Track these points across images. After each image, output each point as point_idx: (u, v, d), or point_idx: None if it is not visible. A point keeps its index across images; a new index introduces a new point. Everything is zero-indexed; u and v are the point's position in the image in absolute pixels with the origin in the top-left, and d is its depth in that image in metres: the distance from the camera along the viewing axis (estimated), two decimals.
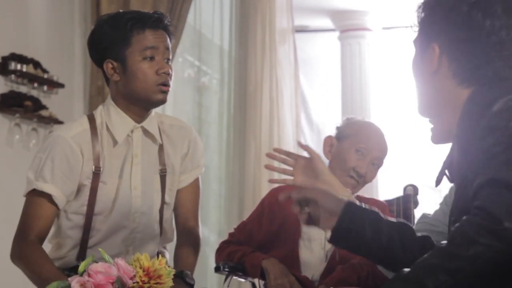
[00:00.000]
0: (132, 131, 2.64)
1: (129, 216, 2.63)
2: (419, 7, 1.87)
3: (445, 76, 1.81)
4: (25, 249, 2.56)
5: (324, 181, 2.26)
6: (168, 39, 2.64)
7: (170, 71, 2.59)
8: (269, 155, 2.35)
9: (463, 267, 1.51)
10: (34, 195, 2.58)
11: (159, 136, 2.69)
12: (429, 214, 2.49)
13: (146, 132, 2.66)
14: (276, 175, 5.30)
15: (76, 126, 2.62)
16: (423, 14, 1.86)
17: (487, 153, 1.58)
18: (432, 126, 1.95)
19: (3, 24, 4.76)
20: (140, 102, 2.61)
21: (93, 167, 2.58)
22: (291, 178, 2.29)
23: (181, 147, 2.73)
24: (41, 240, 2.59)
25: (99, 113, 2.66)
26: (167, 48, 2.61)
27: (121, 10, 2.75)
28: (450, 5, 1.78)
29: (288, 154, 2.35)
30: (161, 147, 2.69)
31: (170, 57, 2.65)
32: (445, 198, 2.36)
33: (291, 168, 2.31)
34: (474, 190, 1.57)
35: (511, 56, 1.77)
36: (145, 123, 2.66)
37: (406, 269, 1.60)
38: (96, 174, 2.59)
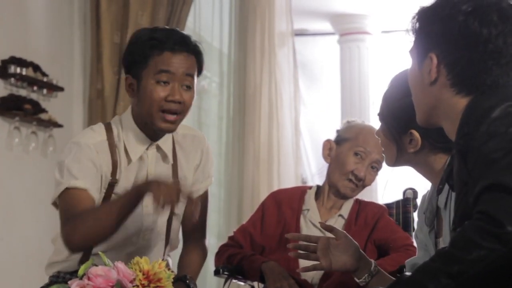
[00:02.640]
0: (147, 149, 2.60)
1: (139, 234, 2.61)
2: (413, 17, 1.88)
3: (443, 86, 1.82)
4: (76, 217, 2.40)
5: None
6: (195, 64, 2.53)
7: (184, 98, 2.49)
8: (292, 246, 2.38)
9: (465, 270, 1.51)
10: (68, 193, 2.47)
11: (172, 154, 2.64)
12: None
13: (160, 149, 2.62)
14: (276, 179, 5.32)
15: (95, 136, 2.57)
16: (417, 24, 1.87)
17: (487, 158, 1.59)
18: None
19: (3, 27, 4.75)
20: (148, 126, 2.55)
21: (110, 178, 2.55)
22: (318, 263, 2.30)
23: (193, 158, 2.70)
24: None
25: (115, 126, 2.61)
26: (188, 74, 2.50)
27: (159, 27, 2.65)
28: (445, 14, 1.79)
29: (307, 238, 2.36)
30: (175, 162, 2.65)
31: (194, 83, 2.53)
32: (418, 210, 2.36)
33: (315, 254, 2.31)
34: (475, 195, 1.58)
35: (509, 64, 1.78)
36: (160, 141, 2.61)
37: (408, 273, 1.60)
38: (111, 186, 2.55)
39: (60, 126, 4.98)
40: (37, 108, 4.88)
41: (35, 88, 4.89)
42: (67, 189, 2.47)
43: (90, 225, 2.38)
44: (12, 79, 4.72)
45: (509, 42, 1.77)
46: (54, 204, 2.56)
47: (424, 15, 1.85)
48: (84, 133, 2.66)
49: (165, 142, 2.63)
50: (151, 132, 2.58)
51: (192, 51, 2.53)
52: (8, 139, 4.72)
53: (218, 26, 5.70)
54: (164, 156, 2.63)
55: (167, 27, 2.64)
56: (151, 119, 2.51)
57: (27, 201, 4.79)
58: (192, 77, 2.53)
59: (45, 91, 4.98)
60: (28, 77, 4.80)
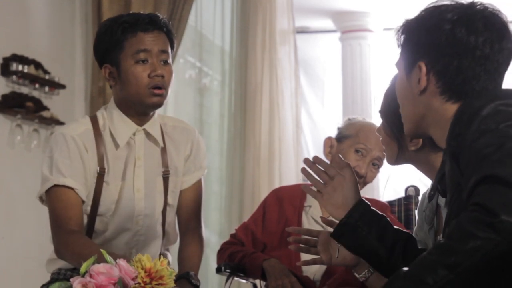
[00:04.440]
0: (134, 134, 2.64)
1: (132, 218, 2.64)
2: (398, 30, 1.92)
3: (433, 94, 1.85)
4: (68, 238, 2.49)
5: None
6: (167, 40, 2.62)
7: (164, 73, 2.57)
8: (293, 239, 2.31)
9: (462, 261, 1.52)
10: (56, 190, 2.55)
11: (161, 139, 2.68)
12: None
13: (148, 134, 2.66)
14: (277, 177, 5.32)
15: (80, 126, 2.63)
16: (403, 37, 1.91)
17: (479, 154, 1.61)
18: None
19: (4, 25, 4.76)
20: (136, 106, 2.61)
21: (98, 168, 2.59)
22: (318, 257, 2.29)
23: (184, 148, 2.73)
24: (80, 228, 2.55)
25: (101, 115, 2.66)
26: (163, 50, 2.59)
27: (122, 14, 2.73)
28: (432, 24, 1.84)
29: (308, 232, 2.30)
30: (164, 149, 2.69)
31: (169, 58, 2.61)
32: (418, 208, 2.37)
33: (316, 248, 2.30)
34: (469, 190, 1.60)
35: (496, 70, 1.82)
36: (147, 126, 2.65)
37: (405, 268, 1.61)
38: (101, 175, 2.59)
39: (62, 123, 4.98)
40: (39, 106, 4.89)
41: (37, 85, 4.90)
42: (55, 186, 2.55)
43: (77, 255, 2.38)
44: (14, 77, 4.73)
45: (496, 48, 1.81)
46: (40, 198, 2.62)
47: (410, 26, 1.89)
48: (68, 125, 2.72)
49: (152, 126, 2.67)
50: (137, 116, 2.63)
51: (163, 28, 2.62)
52: (10, 136, 4.72)
53: (219, 24, 5.70)
54: (153, 141, 2.67)
55: (131, 12, 2.71)
56: (140, 97, 2.57)
57: (28, 199, 4.77)
58: (167, 53, 2.61)
59: (47, 88, 4.99)
60: (30, 75, 4.81)
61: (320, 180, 2.07)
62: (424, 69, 1.84)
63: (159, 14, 2.66)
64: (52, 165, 2.56)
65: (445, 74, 1.82)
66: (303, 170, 2.13)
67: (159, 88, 2.56)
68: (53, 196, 2.56)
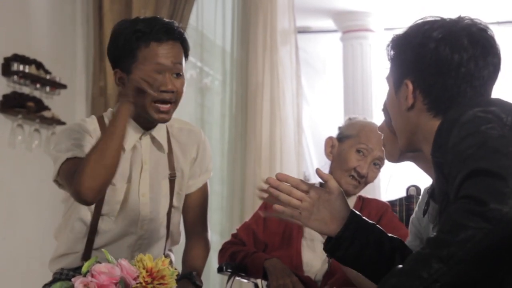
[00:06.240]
0: (140, 138, 2.62)
1: (137, 223, 2.62)
2: (388, 45, 1.93)
3: (420, 110, 1.87)
4: (80, 165, 2.36)
5: None
6: (181, 50, 2.53)
7: (176, 87, 2.49)
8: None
9: (455, 252, 1.53)
10: (68, 161, 2.44)
11: (167, 143, 2.66)
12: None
13: (154, 139, 2.63)
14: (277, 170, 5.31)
15: (88, 125, 2.59)
16: (392, 52, 1.92)
17: (463, 155, 1.62)
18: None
19: (6, 25, 4.76)
20: (141, 116, 2.54)
21: None
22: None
23: (190, 151, 2.71)
24: None
25: (108, 116, 2.63)
26: (177, 62, 2.50)
27: (140, 17, 2.62)
28: (417, 42, 1.85)
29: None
30: (170, 152, 2.66)
31: (183, 69, 2.53)
32: (419, 202, 2.38)
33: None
34: (456, 188, 1.61)
35: (482, 86, 1.83)
36: (153, 131, 2.62)
37: (400, 265, 1.61)
38: None
39: (63, 123, 4.98)
40: (40, 106, 4.89)
41: (38, 85, 4.90)
42: (67, 160, 2.45)
43: (96, 158, 2.33)
44: (15, 77, 4.73)
45: (481, 65, 1.82)
46: (56, 182, 2.53)
47: (398, 43, 1.91)
48: (76, 122, 2.68)
49: (159, 131, 2.64)
50: (144, 121, 2.59)
51: (178, 38, 2.53)
52: (11, 136, 4.72)
53: (220, 24, 5.70)
54: (158, 146, 2.65)
55: (147, 16, 2.63)
56: (145, 110, 2.50)
57: (29, 198, 4.80)
58: (181, 64, 2.53)
59: (48, 88, 4.99)
60: (31, 75, 4.81)
61: (292, 198, 1.97)
62: (410, 86, 1.86)
63: (175, 22, 2.56)
64: (61, 147, 2.49)
65: (431, 92, 1.83)
66: (272, 191, 1.99)
67: (165, 104, 2.49)
68: (66, 167, 2.45)
